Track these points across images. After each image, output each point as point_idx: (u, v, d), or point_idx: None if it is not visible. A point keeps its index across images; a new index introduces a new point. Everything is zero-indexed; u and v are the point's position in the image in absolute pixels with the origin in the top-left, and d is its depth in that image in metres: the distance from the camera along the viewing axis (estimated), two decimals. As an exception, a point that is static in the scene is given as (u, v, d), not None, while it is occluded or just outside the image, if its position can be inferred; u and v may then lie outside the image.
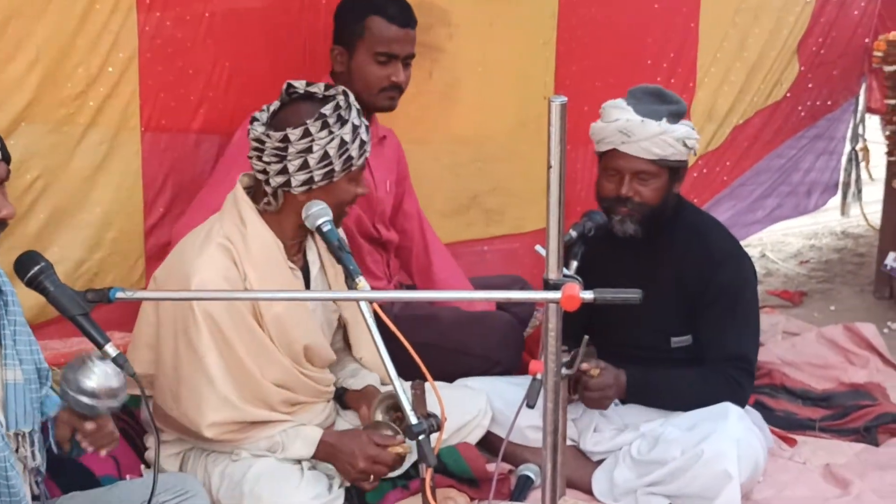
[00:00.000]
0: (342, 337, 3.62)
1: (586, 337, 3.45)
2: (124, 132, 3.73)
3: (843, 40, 5.58)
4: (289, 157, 3.14)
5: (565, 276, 2.34)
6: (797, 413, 4.19)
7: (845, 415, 4.16)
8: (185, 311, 3.17)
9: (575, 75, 4.78)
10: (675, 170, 3.66)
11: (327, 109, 3.14)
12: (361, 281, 2.94)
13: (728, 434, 3.48)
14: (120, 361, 2.42)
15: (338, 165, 3.17)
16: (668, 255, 3.75)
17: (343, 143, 3.16)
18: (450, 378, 3.83)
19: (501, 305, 4.23)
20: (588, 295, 2.19)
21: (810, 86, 5.58)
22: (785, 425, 4.04)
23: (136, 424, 3.56)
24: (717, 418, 3.55)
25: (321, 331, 3.43)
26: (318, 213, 3.11)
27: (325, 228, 3.08)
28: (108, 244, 3.79)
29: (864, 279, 5.67)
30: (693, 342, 3.77)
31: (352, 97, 3.24)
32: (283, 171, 3.16)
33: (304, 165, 3.16)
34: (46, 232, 3.66)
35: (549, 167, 2.25)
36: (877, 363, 4.54)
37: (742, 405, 3.66)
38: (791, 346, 4.67)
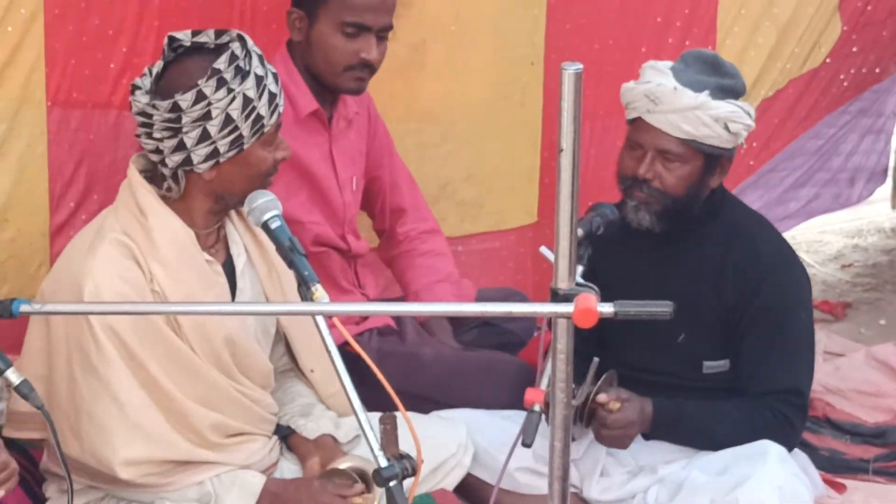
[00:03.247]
0: (286, 351, 3.64)
1: (595, 360, 3.47)
2: (26, 108, 3.72)
3: (896, -6, 5.64)
4: (184, 129, 3.16)
5: (578, 284, 2.36)
6: (845, 452, 4.23)
7: (904, 454, 4.22)
8: (79, 326, 3.16)
9: (569, 35, 4.81)
10: (712, 158, 3.67)
11: (221, 63, 3.15)
12: (318, 290, 2.93)
13: (768, 479, 3.50)
14: (25, 390, 2.44)
15: (245, 129, 3.18)
16: (702, 260, 3.77)
17: (248, 100, 3.17)
18: None
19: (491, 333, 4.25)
20: (607, 308, 2.20)
21: (855, 50, 5.62)
22: (831, 467, 4.08)
23: (34, 469, 3.55)
24: (753, 459, 3.57)
25: (253, 335, 3.43)
26: (265, 206, 3.10)
27: (274, 225, 3.07)
28: (4, 247, 3.79)
29: (920, 287, 5.74)
30: (730, 368, 3.79)
31: (250, 42, 3.24)
32: (180, 146, 3.18)
33: (205, 136, 3.17)
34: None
35: (561, 150, 2.26)
36: (940, 390, 4.59)
37: (791, 447, 3.69)
38: (835, 369, 4.71)
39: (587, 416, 3.59)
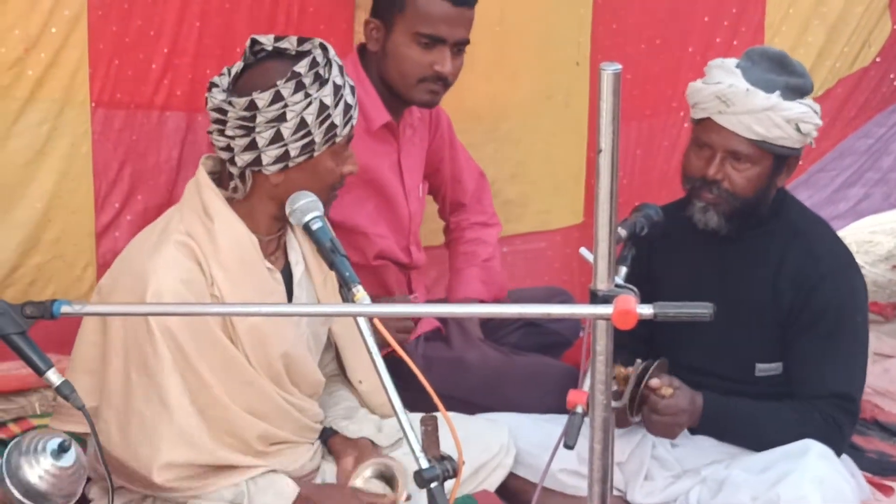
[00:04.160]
0: (334, 357, 3.65)
1: (639, 361, 3.47)
2: (70, 108, 3.75)
3: (948, -8, 5.59)
4: (257, 129, 3.16)
5: (617, 285, 2.35)
6: (893, 455, 4.21)
7: (954, 457, 4.18)
8: (138, 326, 3.17)
9: (615, 35, 4.80)
10: (781, 158, 3.65)
11: (301, 67, 3.16)
12: (360, 291, 2.93)
13: (808, 474, 3.49)
14: (65, 391, 2.43)
15: (318, 136, 3.19)
16: (760, 262, 3.75)
17: (324, 107, 3.18)
18: None
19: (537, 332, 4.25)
20: (647, 310, 2.19)
21: (905, 48, 5.59)
22: (878, 469, 4.06)
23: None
24: (794, 456, 3.57)
25: (306, 345, 3.45)
26: (307, 206, 3.11)
27: (316, 226, 3.08)
28: (49, 247, 3.82)
29: (971, 288, 5.70)
30: (783, 372, 3.77)
31: (332, 51, 3.25)
32: (252, 145, 3.19)
33: (278, 137, 3.17)
34: (-27, 232, 3.69)
35: (600, 151, 2.26)
36: None
37: (839, 452, 3.67)
38: (884, 371, 4.69)
39: (638, 402, 3.56)
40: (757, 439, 3.69)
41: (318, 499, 3.31)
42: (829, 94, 5.42)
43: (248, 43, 3.27)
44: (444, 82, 3.90)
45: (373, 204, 4.02)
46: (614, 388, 3.48)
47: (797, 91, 3.62)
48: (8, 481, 2.51)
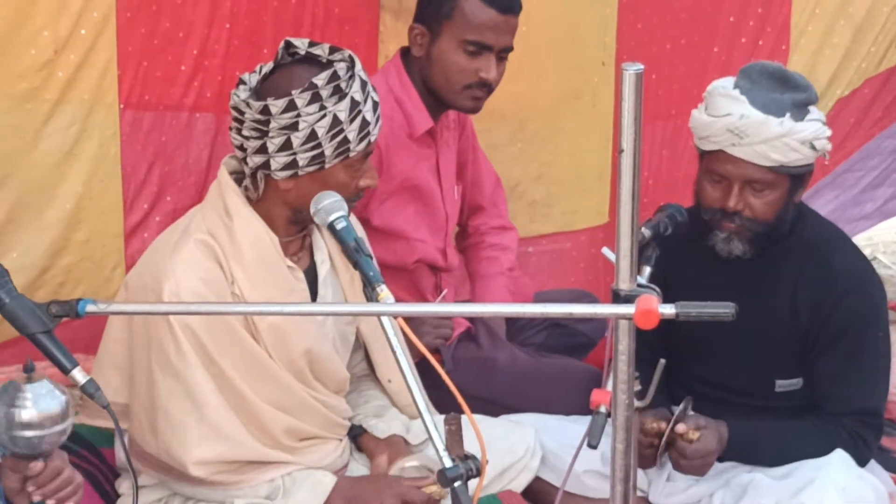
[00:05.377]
0: (363, 357, 3.66)
1: (662, 361, 3.45)
2: (99, 110, 3.76)
3: (975, -8, 5.56)
4: (270, 134, 3.17)
5: (640, 285, 2.34)
6: (919, 455, 4.18)
7: (981, 458, 4.14)
8: (158, 323, 3.19)
9: (640, 35, 4.79)
10: (797, 177, 3.58)
11: (321, 79, 3.15)
12: (384, 290, 2.92)
13: (832, 481, 3.47)
14: (90, 390, 2.43)
15: (329, 149, 3.19)
16: (779, 275, 3.68)
17: (337, 121, 3.17)
18: None
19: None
20: (669, 309, 2.19)
21: (933, 49, 5.56)
22: (904, 470, 4.03)
23: (104, 467, 3.57)
24: (817, 462, 3.55)
25: (332, 345, 3.45)
26: (331, 206, 3.09)
27: (340, 226, 3.06)
28: (78, 248, 3.83)
29: None
30: (803, 387, 3.73)
31: (358, 65, 3.24)
32: (263, 149, 3.19)
33: (287, 145, 3.18)
34: (4, 233, 3.69)
35: (621, 151, 2.25)
36: None
37: (864, 465, 3.64)
38: (910, 371, 4.65)
39: (665, 445, 3.51)
40: (784, 461, 3.64)
41: (358, 490, 3.32)
42: (855, 94, 5.40)
43: (282, 44, 3.27)
44: (488, 88, 3.90)
45: (413, 209, 4.03)
46: (648, 425, 3.48)
47: (804, 105, 3.52)
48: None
